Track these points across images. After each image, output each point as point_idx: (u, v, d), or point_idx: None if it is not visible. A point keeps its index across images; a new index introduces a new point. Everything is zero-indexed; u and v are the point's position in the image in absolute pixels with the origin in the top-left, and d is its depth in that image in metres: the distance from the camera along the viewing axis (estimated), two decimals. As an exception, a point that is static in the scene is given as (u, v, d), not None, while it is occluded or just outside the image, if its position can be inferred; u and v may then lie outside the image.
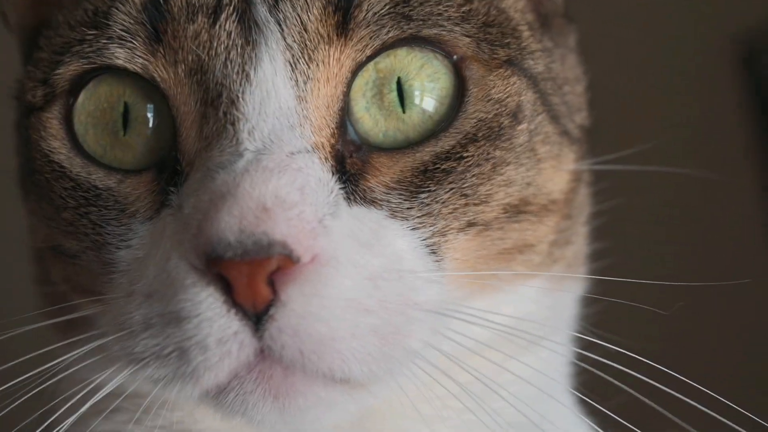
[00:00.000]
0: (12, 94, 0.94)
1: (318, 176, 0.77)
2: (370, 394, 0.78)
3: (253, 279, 0.72)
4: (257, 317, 0.73)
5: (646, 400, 0.82)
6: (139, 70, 0.81)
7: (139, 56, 0.81)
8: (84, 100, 0.83)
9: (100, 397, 0.82)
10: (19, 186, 0.94)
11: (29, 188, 0.90)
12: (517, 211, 0.84)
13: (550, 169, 0.87)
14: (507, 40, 0.85)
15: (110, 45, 0.81)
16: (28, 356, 0.84)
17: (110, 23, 0.82)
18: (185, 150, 0.80)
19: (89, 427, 0.87)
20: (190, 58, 0.80)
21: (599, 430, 0.84)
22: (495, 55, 0.84)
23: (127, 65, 0.81)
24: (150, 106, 0.82)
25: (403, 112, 0.80)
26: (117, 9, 0.83)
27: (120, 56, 0.81)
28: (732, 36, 1.86)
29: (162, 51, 0.80)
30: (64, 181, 0.84)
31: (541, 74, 0.88)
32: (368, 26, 0.80)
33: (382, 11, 0.80)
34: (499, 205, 0.82)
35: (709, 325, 1.68)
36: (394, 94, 0.80)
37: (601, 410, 0.83)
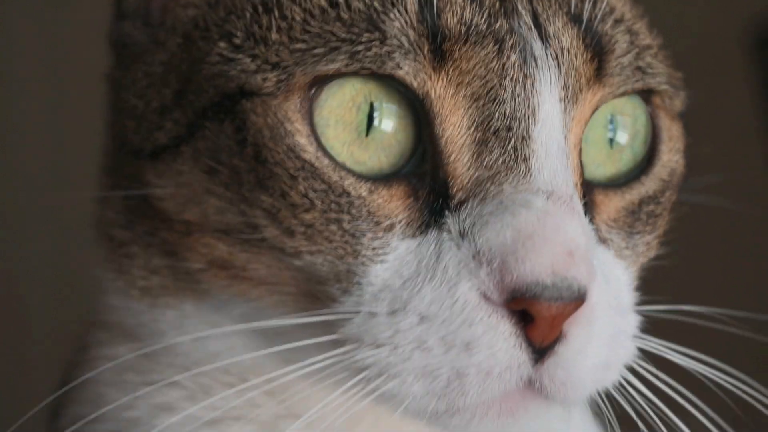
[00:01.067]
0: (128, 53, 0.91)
1: (582, 217, 0.80)
2: None
3: (557, 320, 0.76)
4: (541, 351, 0.77)
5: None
6: (415, 85, 0.79)
7: (422, 71, 0.78)
8: (327, 96, 0.79)
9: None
10: (177, 147, 0.85)
11: (211, 163, 0.83)
12: None
13: None
14: (676, 89, 0.91)
15: (394, 55, 0.78)
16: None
17: (386, 28, 0.79)
18: (455, 174, 0.79)
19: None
20: (477, 83, 0.79)
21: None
22: (673, 107, 0.90)
23: (406, 78, 0.78)
24: (398, 110, 0.80)
25: (618, 153, 0.86)
26: (388, 15, 0.79)
27: (404, 68, 0.78)
28: (746, 22, 1.84)
29: (446, 69, 0.79)
30: (314, 182, 0.79)
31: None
32: (615, 75, 0.84)
33: (626, 63, 0.85)
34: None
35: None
36: (613, 134, 0.86)
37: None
